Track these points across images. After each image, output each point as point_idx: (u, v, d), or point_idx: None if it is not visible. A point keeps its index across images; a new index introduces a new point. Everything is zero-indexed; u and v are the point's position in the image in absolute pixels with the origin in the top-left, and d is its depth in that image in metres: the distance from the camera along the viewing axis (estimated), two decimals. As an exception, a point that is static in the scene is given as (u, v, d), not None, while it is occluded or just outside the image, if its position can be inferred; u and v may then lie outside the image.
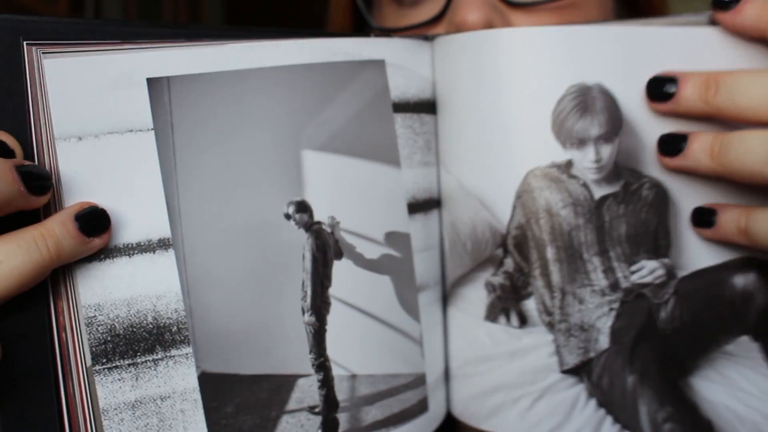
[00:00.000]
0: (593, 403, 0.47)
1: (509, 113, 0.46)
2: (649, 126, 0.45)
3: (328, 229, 0.45)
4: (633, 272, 0.46)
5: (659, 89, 0.43)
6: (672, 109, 0.43)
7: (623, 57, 0.44)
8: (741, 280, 0.45)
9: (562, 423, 0.47)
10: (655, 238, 0.46)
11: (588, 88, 0.45)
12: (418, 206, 0.49)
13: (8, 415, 0.38)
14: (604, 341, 0.46)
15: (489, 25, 0.56)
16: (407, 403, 0.48)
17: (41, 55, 0.38)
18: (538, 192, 0.46)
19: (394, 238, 0.47)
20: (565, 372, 0.47)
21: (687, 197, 0.45)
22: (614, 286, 0.46)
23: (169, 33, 0.42)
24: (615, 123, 0.45)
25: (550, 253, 0.47)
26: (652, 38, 0.44)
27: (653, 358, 0.46)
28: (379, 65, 0.47)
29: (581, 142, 0.45)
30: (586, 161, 0.46)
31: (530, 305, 0.48)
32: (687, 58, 0.44)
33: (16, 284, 0.35)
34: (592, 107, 0.45)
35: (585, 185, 0.46)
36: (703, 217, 0.44)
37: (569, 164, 0.46)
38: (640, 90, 0.44)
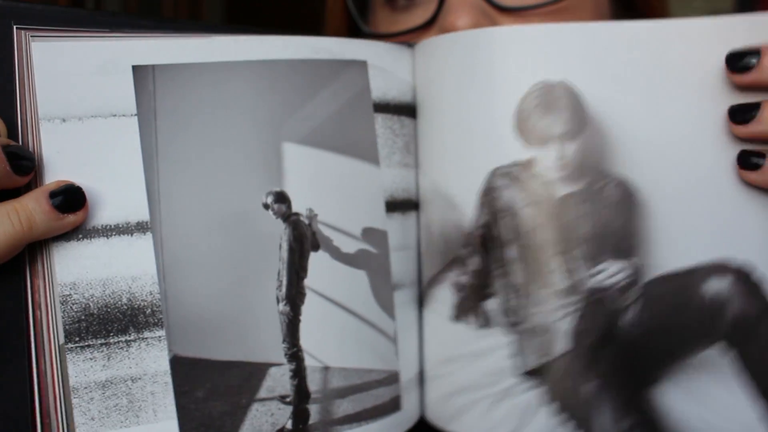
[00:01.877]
0: (553, 407, 0.46)
1: (474, 113, 0.47)
2: (615, 123, 0.44)
3: (306, 221, 0.46)
4: (596, 273, 0.45)
5: (740, 62, 0.43)
6: (756, 78, 0.43)
7: (587, 54, 0.44)
8: (713, 286, 0.44)
9: (519, 427, 0.46)
10: (620, 238, 0.45)
11: (551, 86, 0.45)
12: (396, 205, 0.50)
13: (-22, 389, 0.38)
14: (564, 344, 0.45)
15: None
16: (380, 400, 0.48)
17: (30, 38, 0.39)
18: (500, 191, 0.46)
19: (371, 234, 0.48)
20: (525, 374, 0.46)
21: (658, 196, 0.44)
22: (576, 287, 0.45)
23: (156, 25, 0.43)
24: (579, 121, 0.45)
25: (512, 252, 0.47)
26: (616, 33, 0.44)
27: (617, 363, 0.45)
28: (361, 66, 0.48)
29: (544, 141, 0.45)
30: (549, 159, 0.45)
31: (494, 305, 0.47)
32: (654, 51, 0.44)
33: None
34: (555, 105, 0.44)
35: (547, 183, 0.46)
36: (749, 159, 0.43)
37: (531, 163, 0.46)
38: (605, 86, 0.44)
